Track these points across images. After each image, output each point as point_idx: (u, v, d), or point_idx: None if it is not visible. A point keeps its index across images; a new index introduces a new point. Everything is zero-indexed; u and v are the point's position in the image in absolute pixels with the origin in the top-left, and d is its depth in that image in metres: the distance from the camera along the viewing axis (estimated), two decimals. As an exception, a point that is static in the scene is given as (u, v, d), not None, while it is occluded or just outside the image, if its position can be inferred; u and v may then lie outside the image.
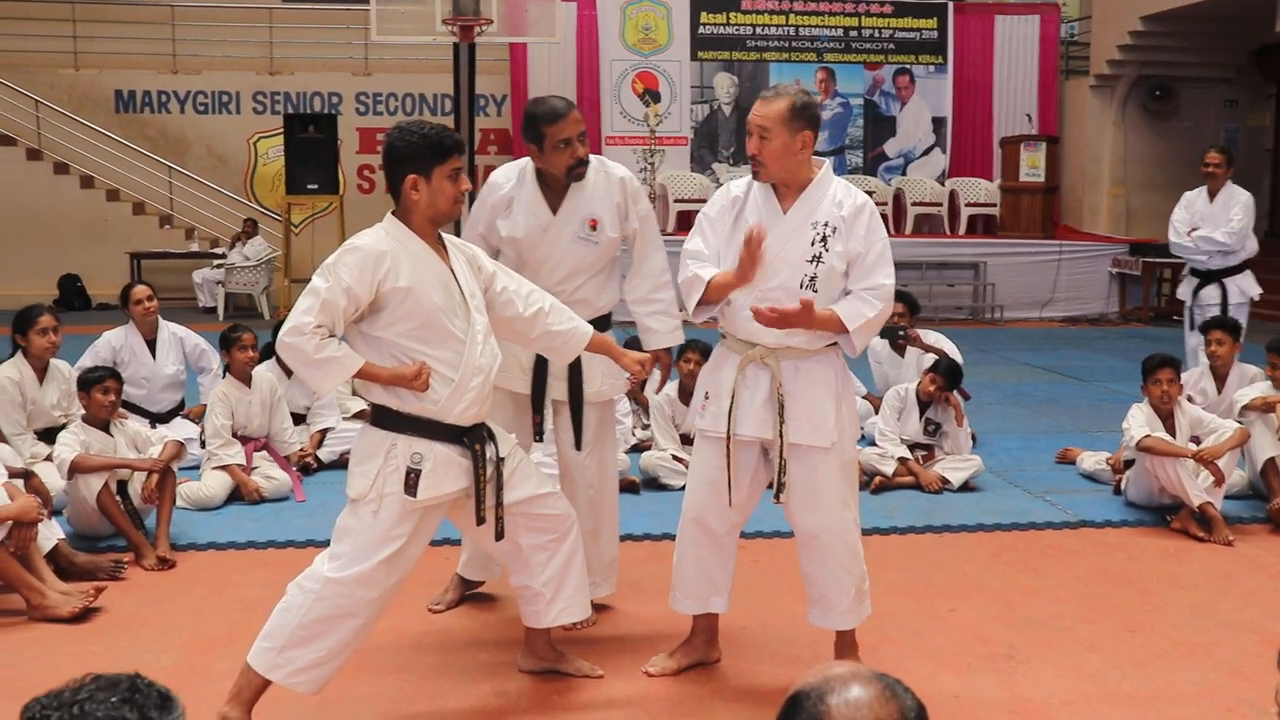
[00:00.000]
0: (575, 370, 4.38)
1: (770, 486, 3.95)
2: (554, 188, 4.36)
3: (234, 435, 6.49)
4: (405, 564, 3.62)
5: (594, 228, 4.35)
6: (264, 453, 6.60)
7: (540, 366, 4.39)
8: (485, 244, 4.39)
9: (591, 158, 4.37)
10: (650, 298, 4.49)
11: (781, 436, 3.84)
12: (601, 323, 4.41)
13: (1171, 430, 6.12)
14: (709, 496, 4.01)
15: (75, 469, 5.37)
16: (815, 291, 3.79)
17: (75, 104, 16.50)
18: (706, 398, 4.01)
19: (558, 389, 4.44)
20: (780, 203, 3.89)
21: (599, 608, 4.64)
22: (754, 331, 3.87)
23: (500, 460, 3.69)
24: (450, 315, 3.57)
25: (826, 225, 3.81)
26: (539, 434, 4.50)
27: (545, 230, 4.34)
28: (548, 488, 3.88)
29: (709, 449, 4.02)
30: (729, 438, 3.91)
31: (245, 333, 6.65)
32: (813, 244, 3.81)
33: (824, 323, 3.79)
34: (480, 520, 3.66)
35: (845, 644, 4.08)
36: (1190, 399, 6.62)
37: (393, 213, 3.65)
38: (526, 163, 4.43)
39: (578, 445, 4.48)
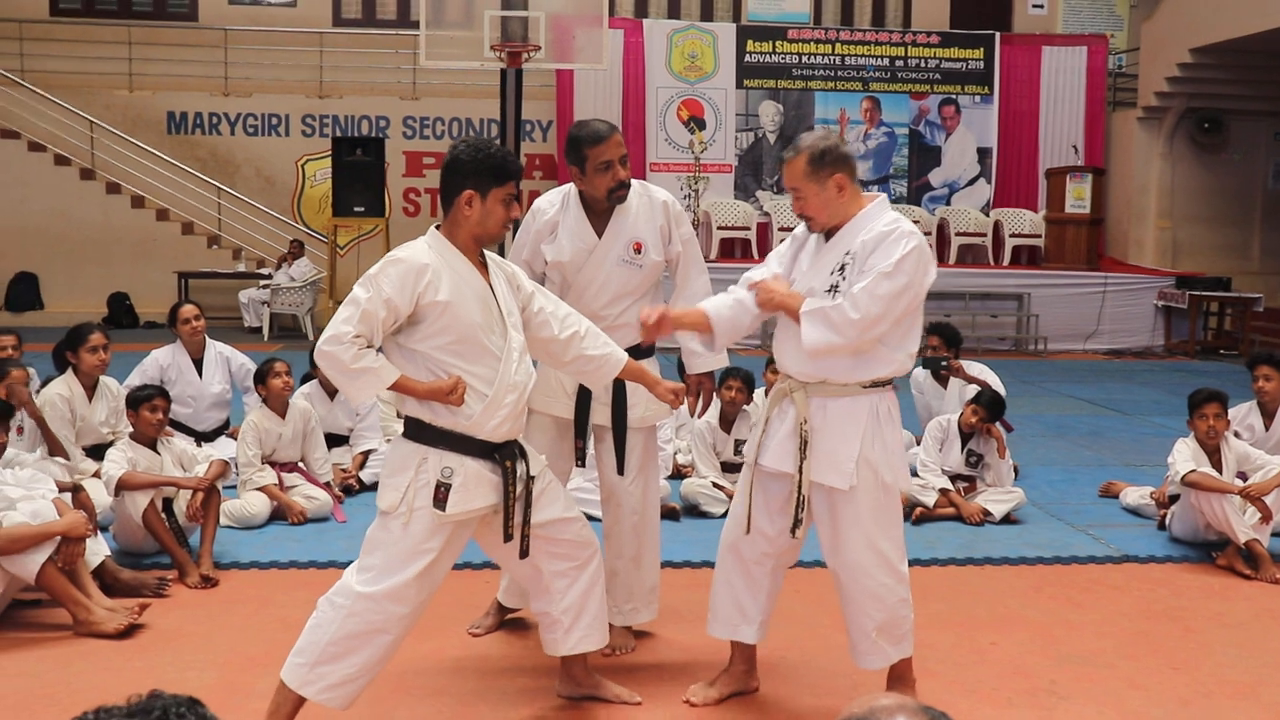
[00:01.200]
0: (619, 395, 4.39)
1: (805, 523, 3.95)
2: (598, 211, 4.39)
3: (265, 462, 6.50)
4: (435, 579, 3.63)
5: (638, 250, 4.37)
6: (295, 475, 6.60)
7: (584, 391, 4.40)
8: (530, 270, 4.42)
9: (634, 182, 4.40)
10: None
11: (801, 473, 3.83)
12: (645, 349, 4.43)
13: (1218, 466, 6.06)
14: (737, 521, 4.04)
15: (122, 486, 5.43)
16: None
17: (128, 125, 16.74)
18: (752, 426, 4.05)
19: (601, 414, 4.44)
20: (826, 237, 3.91)
21: (639, 634, 4.64)
22: (785, 365, 3.90)
23: (531, 478, 3.70)
24: (487, 332, 3.59)
25: (848, 254, 3.79)
26: (580, 459, 4.51)
27: (590, 253, 4.36)
28: (573, 513, 3.88)
29: (744, 475, 4.07)
30: (754, 465, 3.94)
31: (278, 361, 6.64)
32: (832, 273, 3.80)
33: (791, 305, 3.79)
34: (507, 537, 3.66)
35: (896, 676, 4.05)
36: (1237, 434, 6.55)
37: (437, 227, 3.68)
38: (570, 188, 4.46)
39: (620, 470, 4.49)
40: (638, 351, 4.33)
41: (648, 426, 4.54)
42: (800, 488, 3.83)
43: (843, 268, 3.77)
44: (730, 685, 4.17)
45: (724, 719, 4.02)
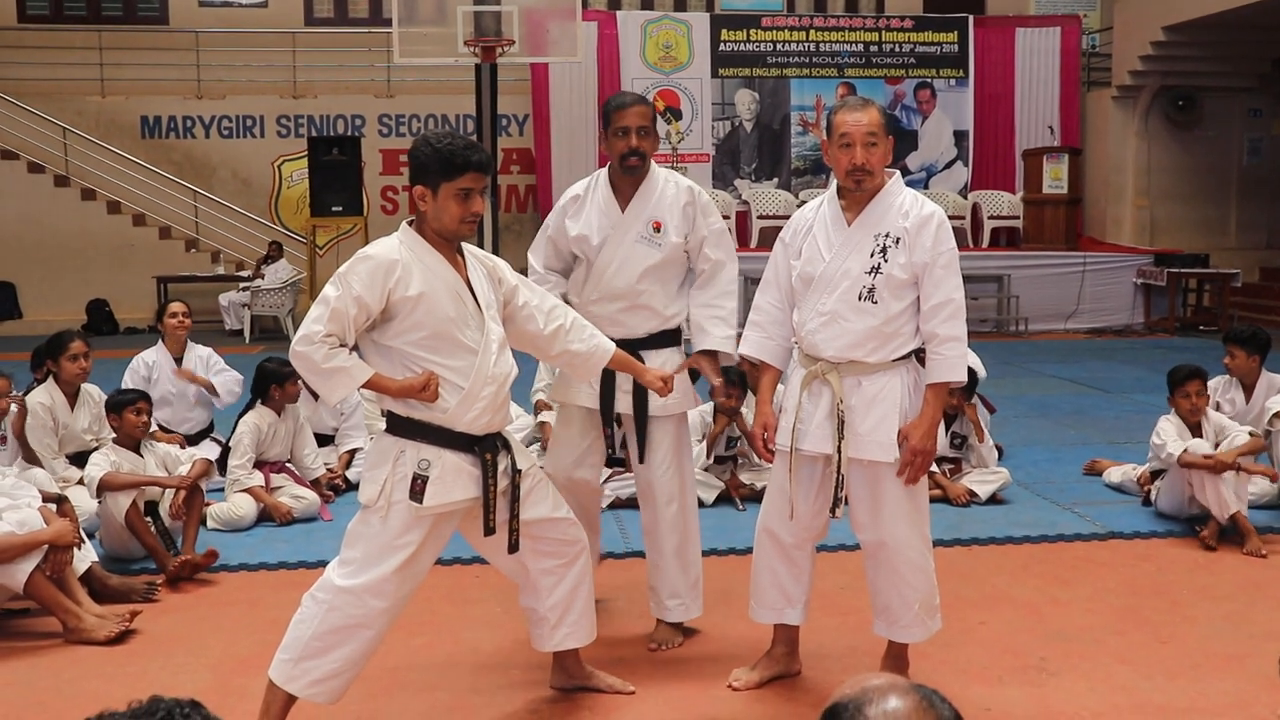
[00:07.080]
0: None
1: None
2: (622, 190, 4.48)
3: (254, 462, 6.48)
4: (416, 573, 3.62)
5: (657, 229, 4.42)
6: (283, 474, 6.59)
7: (608, 380, 4.36)
8: (554, 247, 4.56)
9: (665, 170, 4.54)
10: (713, 302, 4.47)
11: (840, 452, 3.85)
12: (671, 336, 4.47)
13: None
14: (776, 508, 4.05)
15: (104, 486, 5.43)
16: (874, 302, 3.80)
17: (102, 130, 16.65)
18: (780, 412, 4.05)
19: (623, 402, 4.43)
20: (845, 214, 3.91)
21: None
22: (816, 345, 3.90)
23: (517, 472, 3.69)
24: (462, 326, 3.56)
25: (888, 236, 3.82)
26: (611, 446, 4.50)
27: (614, 228, 4.44)
28: (562, 512, 3.87)
29: (778, 462, 4.06)
30: (792, 451, 3.94)
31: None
32: (872, 255, 3.82)
33: (938, 405, 3.86)
34: (488, 530, 3.64)
35: (894, 656, 4.09)
36: (1219, 407, 6.59)
37: (409, 222, 3.67)
38: (601, 172, 4.59)
39: (641, 459, 4.48)
40: (661, 339, 4.43)
41: (674, 415, 4.50)
42: (840, 467, 3.85)
43: (884, 250, 3.81)
44: (772, 668, 4.19)
45: (716, 707, 4.03)
